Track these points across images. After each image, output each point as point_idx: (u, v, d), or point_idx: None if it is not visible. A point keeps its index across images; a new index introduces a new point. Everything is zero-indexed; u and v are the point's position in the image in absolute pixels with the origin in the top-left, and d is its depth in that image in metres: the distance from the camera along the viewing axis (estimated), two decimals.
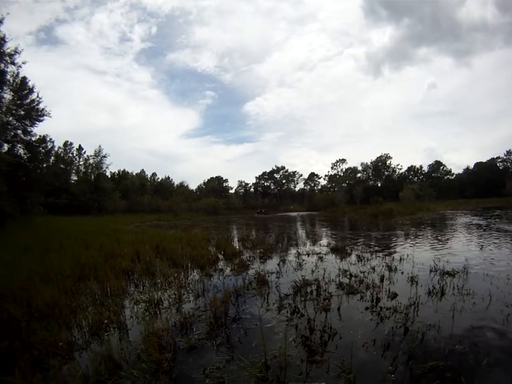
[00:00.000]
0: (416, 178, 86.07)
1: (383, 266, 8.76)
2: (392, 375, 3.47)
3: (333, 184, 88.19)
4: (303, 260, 10.14)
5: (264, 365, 3.64)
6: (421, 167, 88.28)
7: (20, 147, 25.19)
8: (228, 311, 5.44)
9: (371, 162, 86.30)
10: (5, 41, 18.96)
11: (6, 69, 20.72)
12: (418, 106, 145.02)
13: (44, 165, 28.76)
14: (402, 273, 7.98)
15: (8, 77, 21.92)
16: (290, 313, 5.42)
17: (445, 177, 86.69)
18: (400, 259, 9.64)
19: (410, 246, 12.60)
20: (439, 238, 15.55)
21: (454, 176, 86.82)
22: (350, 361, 3.58)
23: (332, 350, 4.03)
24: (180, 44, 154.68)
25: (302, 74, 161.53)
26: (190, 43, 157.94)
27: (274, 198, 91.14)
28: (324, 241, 15.83)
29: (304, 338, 4.36)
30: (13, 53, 20.15)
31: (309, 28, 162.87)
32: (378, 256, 10.46)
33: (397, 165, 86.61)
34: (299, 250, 11.93)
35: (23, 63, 21.66)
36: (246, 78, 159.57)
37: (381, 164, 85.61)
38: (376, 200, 57.75)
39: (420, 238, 15.40)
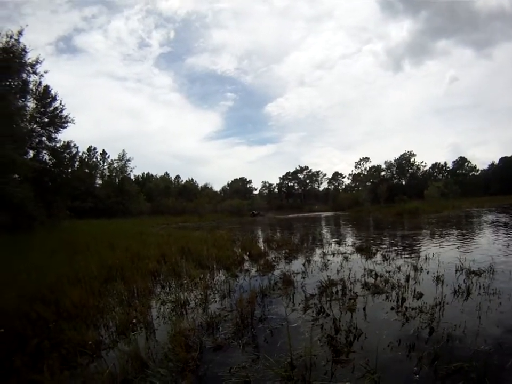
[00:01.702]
0: (440, 175, 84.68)
1: (408, 265, 8.70)
2: (417, 376, 3.47)
3: (357, 183, 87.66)
4: (328, 260, 10.14)
5: (290, 364, 3.68)
6: (445, 163, 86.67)
7: (45, 153, 26.34)
8: (254, 311, 5.50)
9: (395, 160, 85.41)
10: (26, 52, 19.84)
11: (28, 78, 21.68)
12: (441, 100, 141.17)
13: (69, 170, 29.82)
14: (427, 272, 7.92)
15: (31, 86, 22.94)
16: (316, 313, 5.46)
17: (470, 174, 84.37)
18: (426, 258, 9.55)
19: (436, 245, 12.46)
20: (465, 236, 15.37)
21: (479, 172, 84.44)
22: (375, 362, 3.59)
23: (357, 350, 4.05)
24: (198, 47, 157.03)
25: (321, 73, 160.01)
26: (208, 46, 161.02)
27: (299, 198, 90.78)
28: (349, 241, 15.82)
29: (330, 338, 4.39)
30: (34, 63, 21.06)
31: (325, 26, 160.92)
32: (404, 256, 10.44)
33: (421, 162, 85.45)
34: (324, 250, 11.95)
35: (45, 72, 22.66)
36: (266, 79, 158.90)
37: (404, 161, 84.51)
38: (400, 199, 57.47)
39: (445, 237, 15.19)
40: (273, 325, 5.06)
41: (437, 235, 15.86)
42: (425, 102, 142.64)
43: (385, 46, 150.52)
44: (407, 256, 10.38)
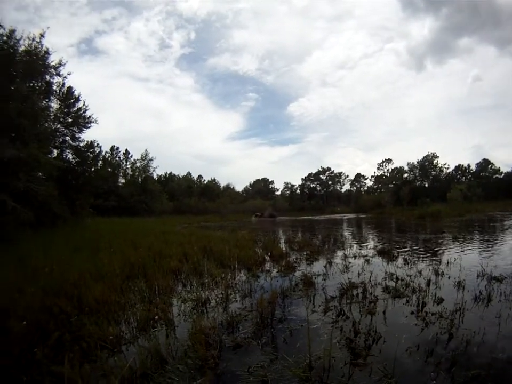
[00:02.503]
0: (463, 178, 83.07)
1: (429, 270, 8.70)
2: (434, 382, 3.47)
3: (379, 185, 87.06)
4: (350, 263, 10.16)
5: (308, 366, 3.72)
6: (469, 166, 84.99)
7: (68, 152, 27.25)
8: (274, 312, 5.57)
9: (417, 162, 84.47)
10: (49, 54, 20.48)
11: (51, 80, 22.42)
12: (463, 100, 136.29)
13: (92, 169, 30.57)
14: (449, 277, 7.90)
15: (55, 87, 23.71)
16: (335, 316, 5.50)
17: (494, 177, 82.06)
18: (448, 263, 9.49)
19: (458, 250, 12.38)
20: (488, 241, 15.22)
21: (503, 175, 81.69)
22: (392, 366, 3.60)
23: (376, 354, 4.07)
24: (219, 48, 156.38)
25: (343, 72, 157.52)
26: (230, 47, 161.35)
27: (321, 200, 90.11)
28: (371, 243, 15.82)
29: (349, 340, 4.42)
30: (57, 65, 21.77)
31: (346, 25, 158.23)
32: (425, 260, 10.42)
33: (444, 164, 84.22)
34: (345, 253, 11.97)
35: (68, 74, 23.28)
36: (287, 79, 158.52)
37: (427, 163, 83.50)
38: (423, 202, 56.54)
39: (468, 241, 15.03)
40: (292, 325, 5.12)
41: (459, 239, 15.69)
42: (448, 102, 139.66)
43: (407, 45, 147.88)
44: (429, 260, 10.38)
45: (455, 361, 3.77)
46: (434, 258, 10.70)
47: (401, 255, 11.38)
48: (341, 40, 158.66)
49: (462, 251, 11.93)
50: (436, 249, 13.05)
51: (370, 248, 13.57)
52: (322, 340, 4.43)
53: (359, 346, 4.27)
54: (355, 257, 11.22)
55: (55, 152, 25.27)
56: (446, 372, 3.59)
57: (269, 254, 11.81)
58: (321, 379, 3.53)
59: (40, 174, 18.17)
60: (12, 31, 17.23)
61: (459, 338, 4.43)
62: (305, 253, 12.15)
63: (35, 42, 18.80)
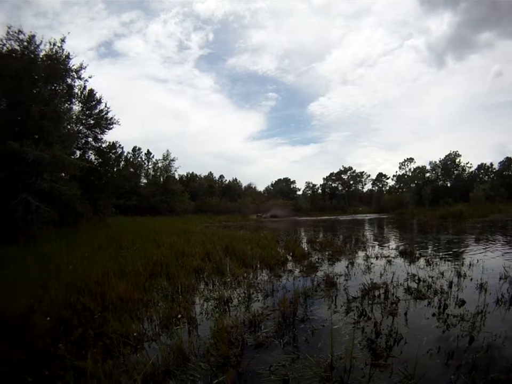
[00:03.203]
0: (486, 177, 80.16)
1: (452, 271, 8.69)
2: None
3: (401, 185, 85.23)
4: (371, 263, 10.18)
5: (330, 365, 3.74)
6: (491, 164, 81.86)
7: (91, 153, 28.05)
8: (296, 311, 5.63)
9: (440, 161, 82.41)
10: (70, 58, 20.98)
11: (73, 83, 23.03)
12: (485, 97, 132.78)
13: (114, 169, 31.28)
14: (471, 279, 7.86)
15: (76, 90, 24.42)
16: (357, 316, 5.55)
17: None
18: (470, 264, 9.47)
19: (481, 251, 12.22)
20: (511, 243, 14.89)
21: None
22: (413, 368, 3.62)
23: (396, 355, 4.10)
24: (238, 48, 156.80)
25: (363, 70, 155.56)
26: (248, 47, 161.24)
27: (342, 200, 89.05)
28: (393, 244, 15.83)
29: (370, 341, 4.47)
30: (78, 68, 22.36)
31: (365, 22, 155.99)
32: (447, 261, 10.38)
33: (466, 163, 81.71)
34: (367, 253, 11.95)
35: (89, 77, 23.93)
36: (307, 78, 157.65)
37: (450, 162, 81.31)
38: (445, 202, 56.27)
39: (491, 243, 14.77)
40: (314, 325, 5.17)
41: (482, 240, 15.50)
42: (470, 99, 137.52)
43: (426, 41, 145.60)
44: (451, 261, 10.34)
45: (475, 365, 3.78)
46: (456, 259, 10.70)
47: (423, 256, 11.37)
48: (360, 37, 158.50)
49: (484, 253, 11.81)
50: (458, 250, 12.98)
51: (392, 249, 13.59)
52: (343, 340, 4.49)
53: (380, 347, 4.30)
54: (377, 257, 11.23)
55: (78, 153, 26.02)
56: (466, 375, 3.60)
57: (291, 254, 11.86)
58: (342, 379, 3.57)
59: (64, 174, 18.70)
60: (32, 37, 17.78)
61: (480, 341, 4.44)
62: (327, 253, 12.19)
63: (56, 47, 19.32)
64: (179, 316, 5.38)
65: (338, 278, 8.13)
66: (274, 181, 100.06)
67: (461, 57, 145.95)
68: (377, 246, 14.74)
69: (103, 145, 29.03)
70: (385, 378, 3.62)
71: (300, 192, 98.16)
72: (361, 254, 12.25)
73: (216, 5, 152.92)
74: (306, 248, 13.50)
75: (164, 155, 64.52)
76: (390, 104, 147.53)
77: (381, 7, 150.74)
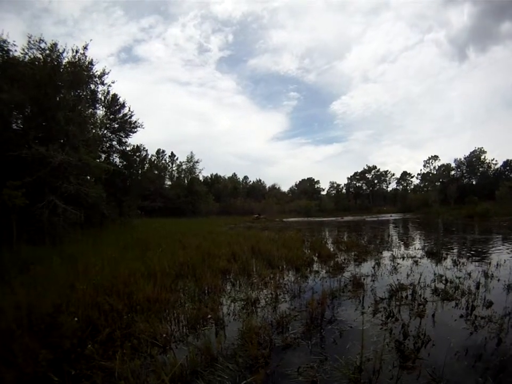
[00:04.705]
0: None
1: (479, 272, 8.60)
2: None
3: (426, 183, 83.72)
4: (398, 264, 10.14)
5: (358, 367, 3.73)
6: None
7: (116, 156, 28.86)
8: (324, 312, 5.65)
9: (464, 158, 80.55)
10: (93, 65, 21.61)
11: (96, 88, 23.71)
12: (509, 91, 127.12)
13: (139, 172, 31.86)
14: (498, 280, 7.82)
15: (100, 95, 25.15)
16: (385, 317, 5.57)
17: None
18: (497, 265, 9.43)
19: (508, 251, 12.07)
20: None
21: None
22: (441, 370, 3.63)
23: (424, 357, 4.09)
24: (258, 49, 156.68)
25: (385, 67, 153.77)
26: (269, 47, 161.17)
27: (367, 199, 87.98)
28: (418, 244, 15.74)
29: (398, 343, 4.47)
30: (101, 74, 22.98)
31: (384, 17, 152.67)
32: (474, 261, 10.35)
33: (492, 160, 79.02)
34: (394, 254, 11.89)
35: (112, 82, 24.52)
36: (329, 77, 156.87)
37: (475, 159, 79.12)
38: (471, 200, 54.59)
39: None
40: (342, 327, 5.19)
41: (508, 240, 15.25)
42: (493, 93, 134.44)
43: (447, 34, 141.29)
44: (478, 261, 10.33)
45: (503, 367, 3.76)
46: (483, 259, 10.65)
47: (450, 256, 11.31)
48: (380, 33, 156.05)
49: None
50: (485, 250, 12.85)
51: (418, 249, 13.53)
52: (371, 342, 4.48)
53: (408, 349, 4.29)
54: (403, 258, 11.20)
55: (103, 156, 26.65)
56: (493, 378, 3.57)
57: (317, 254, 11.88)
58: (370, 381, 3.57)
59: (89, 177, 19.18)
60: (54, 45, 18.25)
61: (508, 343, 4.42)
62: (353, 254, 12.18)
63: (79, 54, 19.83)
64: (209, 316, 5.45)
65: (365, 279, 8.13)
66: (298, 181, 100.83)
67: (484, 49, 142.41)
68: (403, 247, 14.72)
69: (128, 148, 29.85)
70: (413, 380, 3.62)
71: (324, 192, 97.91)
72: (387, 254, 12.19)
73: (234, 6, 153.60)
74: (332, 249, 13.45)
75: (187, 157, 65.88)
76: (413, 101, 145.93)
77: (399, 1, 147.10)
